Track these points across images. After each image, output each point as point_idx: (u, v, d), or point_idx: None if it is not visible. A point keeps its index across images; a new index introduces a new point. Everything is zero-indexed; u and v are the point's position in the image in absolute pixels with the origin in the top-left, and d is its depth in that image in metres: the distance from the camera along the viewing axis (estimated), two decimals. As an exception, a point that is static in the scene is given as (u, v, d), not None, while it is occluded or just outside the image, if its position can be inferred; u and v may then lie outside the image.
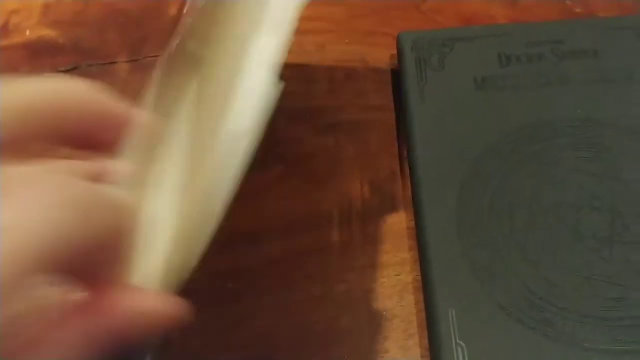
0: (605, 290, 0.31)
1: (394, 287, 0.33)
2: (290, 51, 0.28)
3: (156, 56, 0.42)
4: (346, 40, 0.43)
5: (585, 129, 0.36)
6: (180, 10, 0.46)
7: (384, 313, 0.33)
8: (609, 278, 0.31)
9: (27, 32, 0.45)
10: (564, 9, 0.44)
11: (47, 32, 0.45)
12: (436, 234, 0.33)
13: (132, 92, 0.26)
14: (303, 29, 0.42)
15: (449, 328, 0.30)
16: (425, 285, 0.32)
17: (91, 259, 0.19)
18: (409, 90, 0.38)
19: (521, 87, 0.38)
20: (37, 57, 0.44)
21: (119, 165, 0.22)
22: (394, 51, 0.41)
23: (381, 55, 0.42)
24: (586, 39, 0.40)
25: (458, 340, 0.30)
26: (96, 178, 0.21)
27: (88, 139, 0.22)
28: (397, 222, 0.36)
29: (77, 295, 0.19)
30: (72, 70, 0.41)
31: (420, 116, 0.37)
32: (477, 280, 0.31)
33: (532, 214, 0.33)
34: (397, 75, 0.40)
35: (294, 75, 0.41)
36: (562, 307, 0.30)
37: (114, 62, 0.43)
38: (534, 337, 0.30)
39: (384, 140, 0.39)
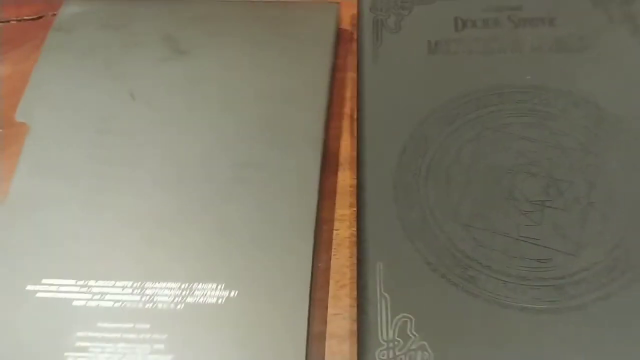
0: (531, 252, 0.32)
1: (332, 241, 0.35)
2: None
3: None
4: None
5: (532, 96, 0.37)
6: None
7: (320, 265, 0.34)
8: (537, 240, 0.32)
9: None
10: (530, -24, 0.44)
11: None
12: (374, 192, 0.34)
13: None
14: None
15: (376, 280, 0.31)
16: (359, 240, 0.33)
17: None
18: (363, 51, 0.39)
19: (474, 52, 0.38)
20: (4, 7, 0.45)
21: None
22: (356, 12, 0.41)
23: (344, 15, 0.43)
24: (544, 7, 0.40)
25: (383, 292, 0.31)
26: None
27: None
28: (342, 180, 0.37)
29: None
30: (37, 19, 0.42)
31: (371, 77, 0.38)
32: (407, 238, 0.32)
33: (469, 177, 0.34)
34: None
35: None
36: (487, 266, 0.32)
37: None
38: (457, 292, 0.31)
39: (338, 100, 0.40)
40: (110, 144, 0.35)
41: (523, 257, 0.32)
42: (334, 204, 0.36)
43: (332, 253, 0.34)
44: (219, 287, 0.31)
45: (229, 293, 0.31)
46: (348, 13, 0.43)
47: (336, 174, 0.37)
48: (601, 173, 0.34)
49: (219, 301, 0.31)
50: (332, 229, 0.35)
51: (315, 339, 0.32)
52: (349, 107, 0.39)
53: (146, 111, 0.36)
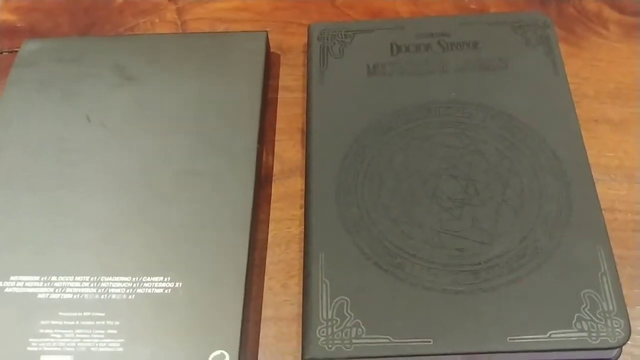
0: (451, 242, 0.37)
1: (283, 237, 0.40)
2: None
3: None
4: (268, 29, 0.49)
5: (455, 109, 0.42)
6: (125, 1, 0.52)
7: (272, 258, 0.39)
8: (456, 232, 0.38)
9: (-9, 17, 0.52)
10: (461, 5, 0.50)
11: (8, 17, 0.51)
12: (318, 194, 0.39)
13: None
14: (231, 18, 0.49)
15: (318, 269, 0.37)
16: (305, 235, 0.38)
17: None
18: (312, 74, 0.45)
19: (406, 73, 0.44)
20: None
21: None
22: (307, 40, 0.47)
23: (297, 43, 0.49)
24: (469, 32, 0.46)
25: (324, 279, 0.36)
26: None
27: None
28: (294, 185, 0.42)
29: None
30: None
31: (318, 96, 0.44)
32: (346, 232, 0.38)
33: (399, 180, 0.40)
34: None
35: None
36: (413, 254, 0.37)
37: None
38: (386, 277, 0.36)
39: (291, 117, 0.45)
40: (70, 160, 0.41)
41: (444, 246, 0.37)
42: (288, 205, 0.41)
43: (284, 248, 0.39)
44: (165, 279, 0.36)
45: (174, 285, 0.36)
46: (301, 42, 0.48)
47: (289, 179, 0.42)
48: (513, 174, 0.40)
49: (165, 292, 0.36)
50: (285, 228, 0.40)
51: (255, 324, 0.37)
52: (300, 122, 0.45)
53: (100, 131, 0.42)
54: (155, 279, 0.36)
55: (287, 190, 0.42)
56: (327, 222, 0.38)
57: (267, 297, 0.38)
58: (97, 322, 0.35)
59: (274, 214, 0.41)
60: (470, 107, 0.42)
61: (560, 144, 0.40)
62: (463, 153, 0.40)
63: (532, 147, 0.40)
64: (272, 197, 0.42)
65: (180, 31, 0.50)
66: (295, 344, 0.36)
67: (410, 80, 0.44)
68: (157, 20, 0.50)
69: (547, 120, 0.41)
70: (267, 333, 0.37)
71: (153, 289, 0.36)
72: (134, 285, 0.36)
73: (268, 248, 0.39)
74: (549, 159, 0.40)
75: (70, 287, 0.36)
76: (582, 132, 0.41)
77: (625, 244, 0.39)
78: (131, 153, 0.41)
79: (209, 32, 0.48)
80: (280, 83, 0.47)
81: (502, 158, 0.40)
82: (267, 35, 0.46)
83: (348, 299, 0.35)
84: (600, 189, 0.39)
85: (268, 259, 0.39)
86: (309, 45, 0.46)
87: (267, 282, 0.38)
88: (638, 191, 0.40)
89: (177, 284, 0.36)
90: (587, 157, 0.40)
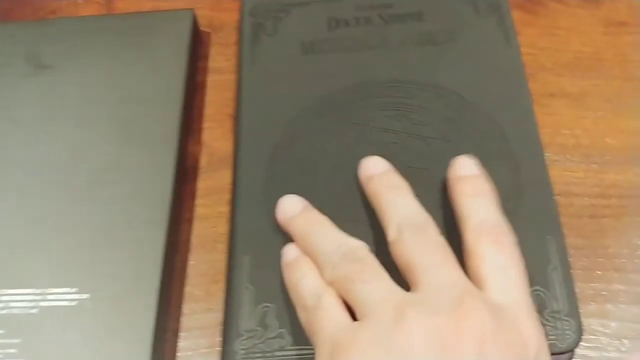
0: (389, 238, 0.34)
1: (208, 237, 0.37)
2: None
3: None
4: (199, 6, 0.45)
5: (397, 89, 0.39)
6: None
7: (196, 261, 0.36)
8: (394, 227, 0.34)
9: None
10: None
11: None
12: (246, 189, 0.36)
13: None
14: (157, -6, 0.44)
15: (241, 272, 0.33)
16: (230, 236, 0.35)
17: None
18: (243, 54, 0.41)
19: (345, 50, 0.40)
20: None
21: None
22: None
23: (230, 20, 0.45)
24: (413, 2, 0.42)
25: (247, 284, 0.33)
26: None
27: None
28: (222, 178, 0.38)
29: None
30: None
31: (248, 79, 0.40)
32: (276, 231, 0.34)
33: (335, 169, 0.36)
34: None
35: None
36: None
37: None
38: (316, 280, 0.33)
39: (221, 101, 0.41)
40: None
41: (382, 243, 0.34)
42: (215, 201, 0.38)
43: (209, 250, 0.36)
44: (72, 291, 0.33)
45: (81, 296, 0.33)
46: (234, 18, 0.44)
47: (217, 172, 0.38)
48: (458, 160, 0.36)
49: (72, 304, 0.32)
50: (211, 227, 0.37)
51: (173, 335, 0.34)
52: (231, 107, 0.41)
53: (7, 125, 0.38)
54: (61, 290, 0.33)
55: (215, 184, 0.38)
56: (255, 219, 0.35)
57: (188, 305, 0.34)
58: None
59: (199, 211, 0.37)
60: (414, 86, 0.39)
61: (510, 123, 0.37)
62: (403, 138, 0.37)
63: (479, 128, 0.37)
64: (198, 193, 0.38)
65: (105, 12, 0.46)
66: (217, 357, 0.33)
67: (349, 58, 0.40)
68: (80, 2, 0.46)
69: (497, 98, 0.38)
70: (187, 345, 0.33)
71: (58, 302, 0.32)
72: (38, 298, 0.33)
73: (191, 250, 0.36)
74: (498, 140, 0.36)
75: None
76: (537, 108, 0.38)
77: (581, 232, 0.35)
78: (40, 150, 0.38)
79: (131, 13, 0.44)
80: (211, 64, 0.43)
81: (446, 142, 0.37)
82: (194, 13, 0.42)
83: (272, 305, 0.32)
84: (555, 171, 0.36)
85: (191, 262, 0.36)
86: (241, 21, 0.43)
87: (189, 288, 0.35)
88: (596, 172, 0.37)
89: (84, 295, 0.33)
90: (539, 136, 0.36)
